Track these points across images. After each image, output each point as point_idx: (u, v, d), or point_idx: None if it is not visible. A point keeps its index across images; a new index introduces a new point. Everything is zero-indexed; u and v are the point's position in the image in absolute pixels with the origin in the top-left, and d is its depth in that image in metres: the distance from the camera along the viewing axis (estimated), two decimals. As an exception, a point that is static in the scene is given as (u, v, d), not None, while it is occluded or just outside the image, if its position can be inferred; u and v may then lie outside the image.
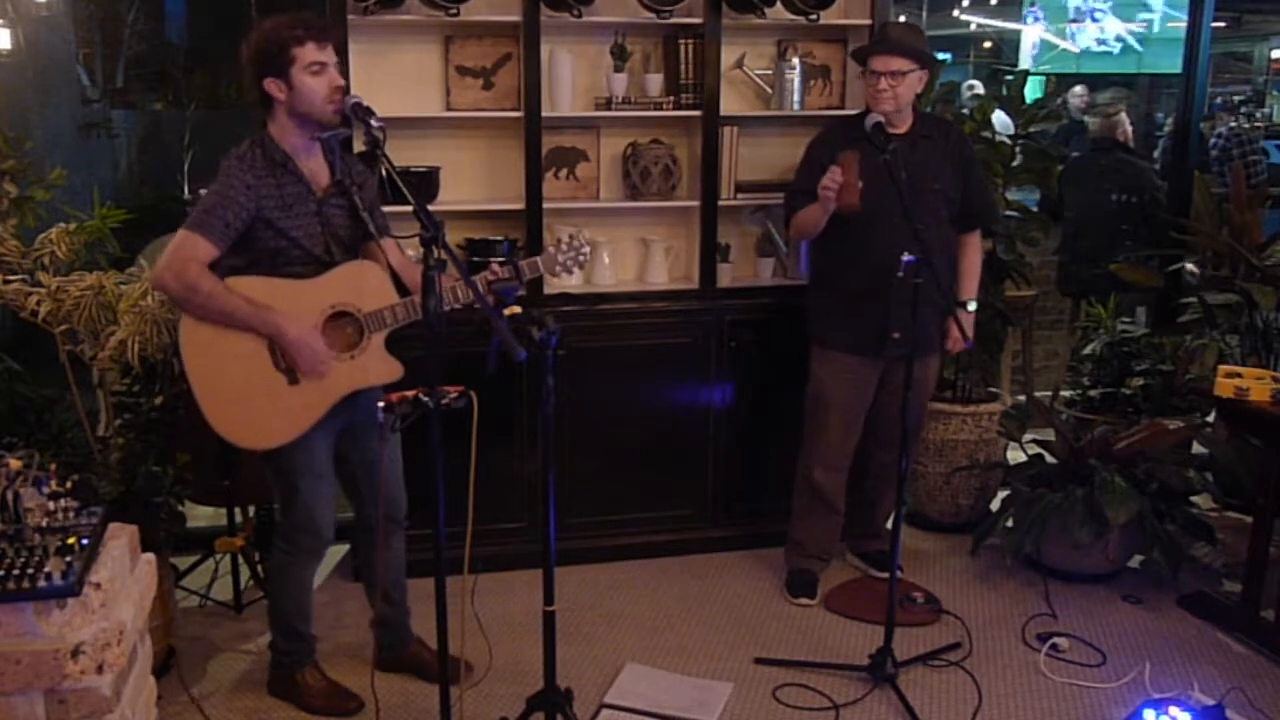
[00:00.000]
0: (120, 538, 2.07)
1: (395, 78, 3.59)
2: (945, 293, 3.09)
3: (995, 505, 4.06)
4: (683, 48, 3.67)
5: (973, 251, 3.53)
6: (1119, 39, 9.01)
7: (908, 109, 3.30)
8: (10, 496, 1.94)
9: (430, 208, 2.77)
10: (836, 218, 3.19)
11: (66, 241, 3.10)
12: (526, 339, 2.26)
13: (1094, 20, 8.97)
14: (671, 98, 3.72)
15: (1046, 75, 9.12)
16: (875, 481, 3.68)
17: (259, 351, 2.61)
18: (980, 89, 7.32)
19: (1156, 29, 8.86)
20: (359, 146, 3.14)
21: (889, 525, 3.63)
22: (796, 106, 3.80)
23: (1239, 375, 3.28)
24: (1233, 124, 7.93)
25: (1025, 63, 9.49)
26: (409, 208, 2.31)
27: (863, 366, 3.41)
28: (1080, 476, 3.58)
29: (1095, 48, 8.95)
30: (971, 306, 3.52)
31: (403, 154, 3.50)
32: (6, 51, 5.56)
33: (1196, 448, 4.43)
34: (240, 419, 2.63)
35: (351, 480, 2.92)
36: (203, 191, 2.63)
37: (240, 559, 3.46)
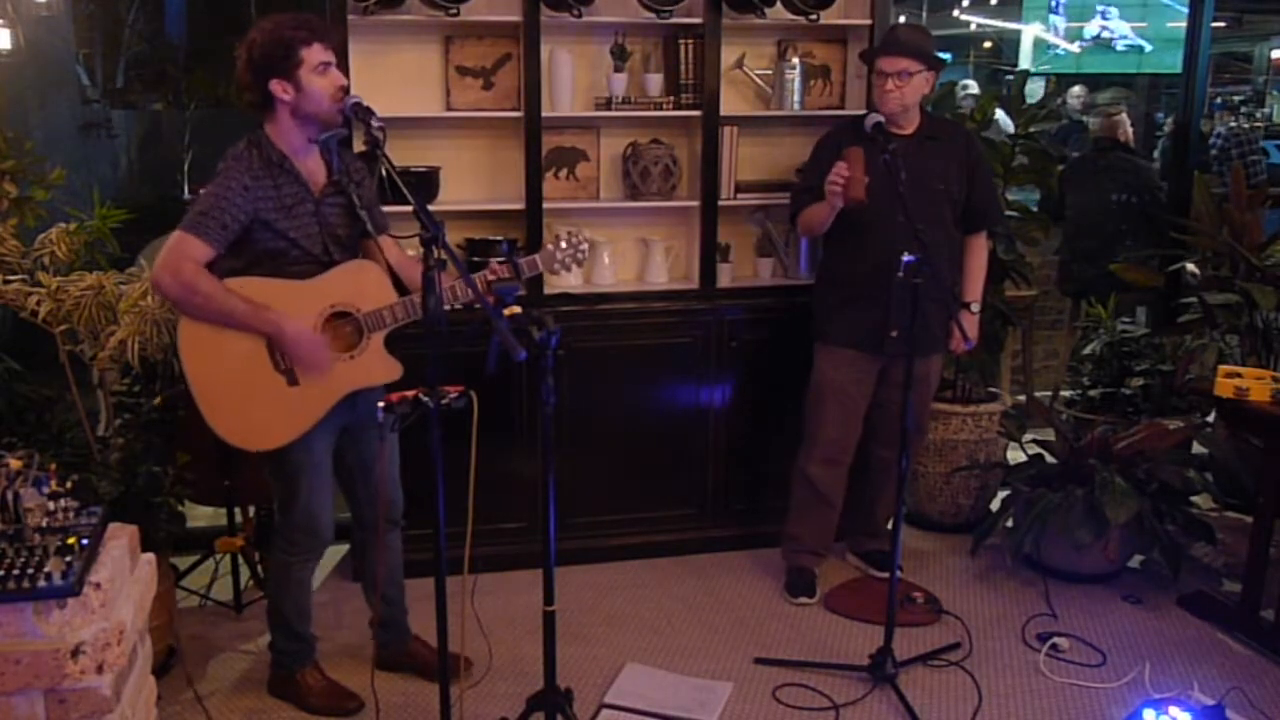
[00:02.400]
0: (120, 538, 2.07)
1: (395, 78, 3.59)
2: (948, 292, 3.09)
3: (995, 505, 4.06)
4: (683, 48, 3.67)
5: (977, 253, 3.54)
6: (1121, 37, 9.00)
7: (915, 109, 3.31)
8: (10, 496, 1.94)
9: (430, 208, 2.77)
10: (841, 215, 3.20)
11: (66, 241, 3.10)
12: (526, 339, 2.26)
13: (1104, 18, 8.95)
14: (671, 98, 3.72)
15: (1047, 75, 9.11)
16: (875, 478, 3.68)
17: (258, 353, 2.61)
18: (974, 88, 7.31)
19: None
20: (359, 146, 3.14)
21: (889, 525, 3.64)
22: (796, 106, 3.80)
23: (1239, 375, 3.28)
24: (1232, 124, 7.94)
25: (1025, 62, 9.49)
26: (409, 208, 2.31)
27: (861, 360, 3.42)
28: (1080, 476, 3.58)
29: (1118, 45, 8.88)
30: (975, 308, 3.53)
31: (403, 154, 3.50)
32: (6, 51, 5.56)
33: (1196, 448, 4.43)
34: (240, 421, 2.63)
35: (349, 480, 2.91)
36: (201, 192, 2.62)
37: (240, 559, 3.46)
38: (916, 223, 2.81)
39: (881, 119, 3.08)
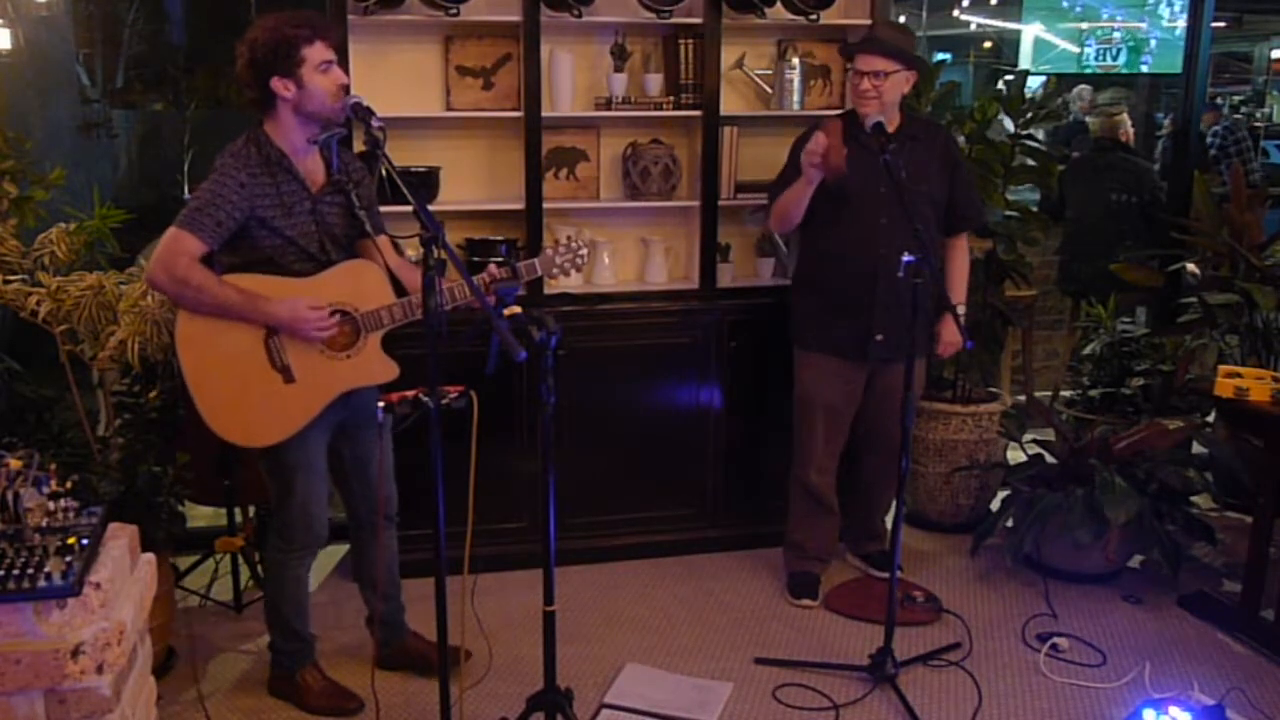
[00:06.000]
0: (120, 538, 2.08)
1: (395, 78, 3.59)
2: (930, 294, 3.05)
3: (995, 505, 4.06)
4: (683, 48, 3.67)
5: (960, 254, 3.51)
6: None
7: (894, 109, 3.28)
8: (10, 496, 1.94)
9: (430, 208, 2.77)
10: (818, 213, 3.18)
11: (66, 241, 3.10)
12: (526, 339, 2.26)
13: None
14: (671, 98, 3.71)
15: (1047, 75, 9.09)
16: (870, 483, 3.67)
17: (255, 350, 2.61)
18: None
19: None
20: (359, 147, 3.14)
21: (888, 519, 3.63)
22: (796, 106, 3.80)
23: (1239, 375, 3.28)
24: (1225, 121, 7.96)
25: (1025, 62, 9.46)
26: (409, 208, 2.31)
27: (846, 369, 3.40)
28: (1080, 476, 3.58)
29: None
30: (960, 310, 3.49)
31: (403, 154, 3.50)
32: (6, 51, 5.55)
33: (1196, 448, 4.43)
34: (235, 417, 2.63)
35: (344, 478, 2.92)
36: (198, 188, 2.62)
37: (240, 559, 3.46)
38: (903, 222, 2.79)
39: (881, 119, 3.07)
